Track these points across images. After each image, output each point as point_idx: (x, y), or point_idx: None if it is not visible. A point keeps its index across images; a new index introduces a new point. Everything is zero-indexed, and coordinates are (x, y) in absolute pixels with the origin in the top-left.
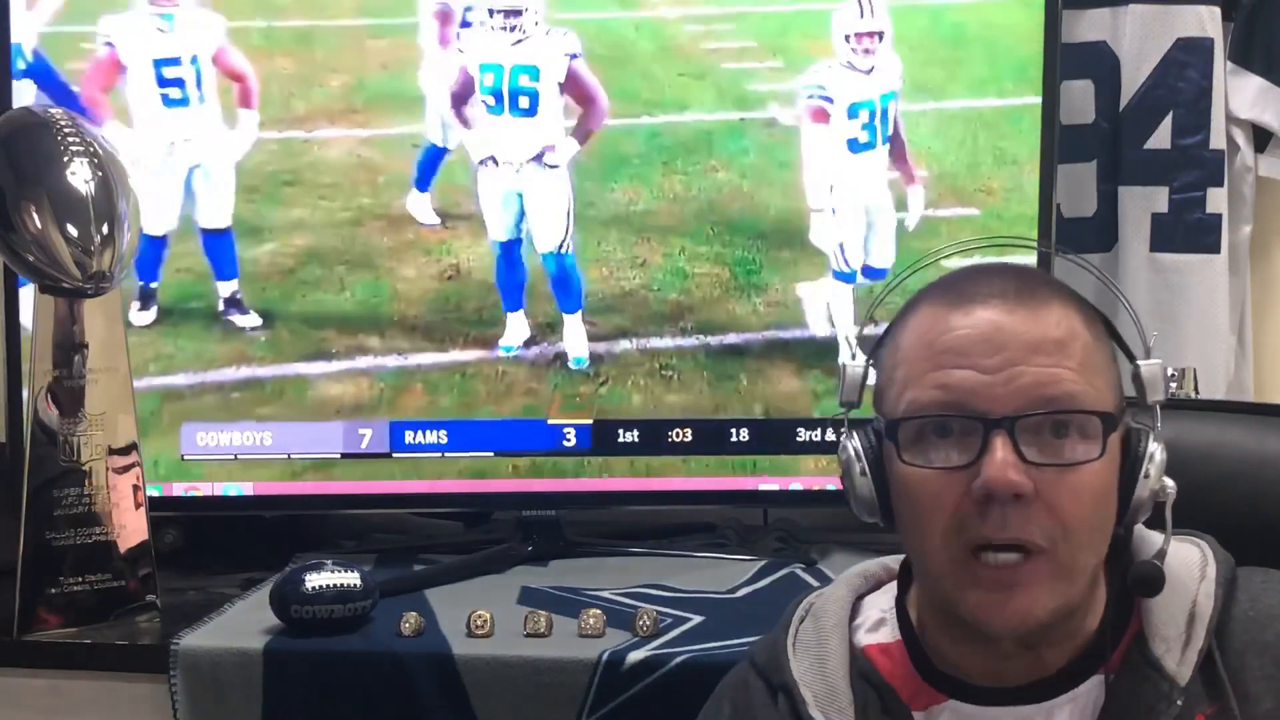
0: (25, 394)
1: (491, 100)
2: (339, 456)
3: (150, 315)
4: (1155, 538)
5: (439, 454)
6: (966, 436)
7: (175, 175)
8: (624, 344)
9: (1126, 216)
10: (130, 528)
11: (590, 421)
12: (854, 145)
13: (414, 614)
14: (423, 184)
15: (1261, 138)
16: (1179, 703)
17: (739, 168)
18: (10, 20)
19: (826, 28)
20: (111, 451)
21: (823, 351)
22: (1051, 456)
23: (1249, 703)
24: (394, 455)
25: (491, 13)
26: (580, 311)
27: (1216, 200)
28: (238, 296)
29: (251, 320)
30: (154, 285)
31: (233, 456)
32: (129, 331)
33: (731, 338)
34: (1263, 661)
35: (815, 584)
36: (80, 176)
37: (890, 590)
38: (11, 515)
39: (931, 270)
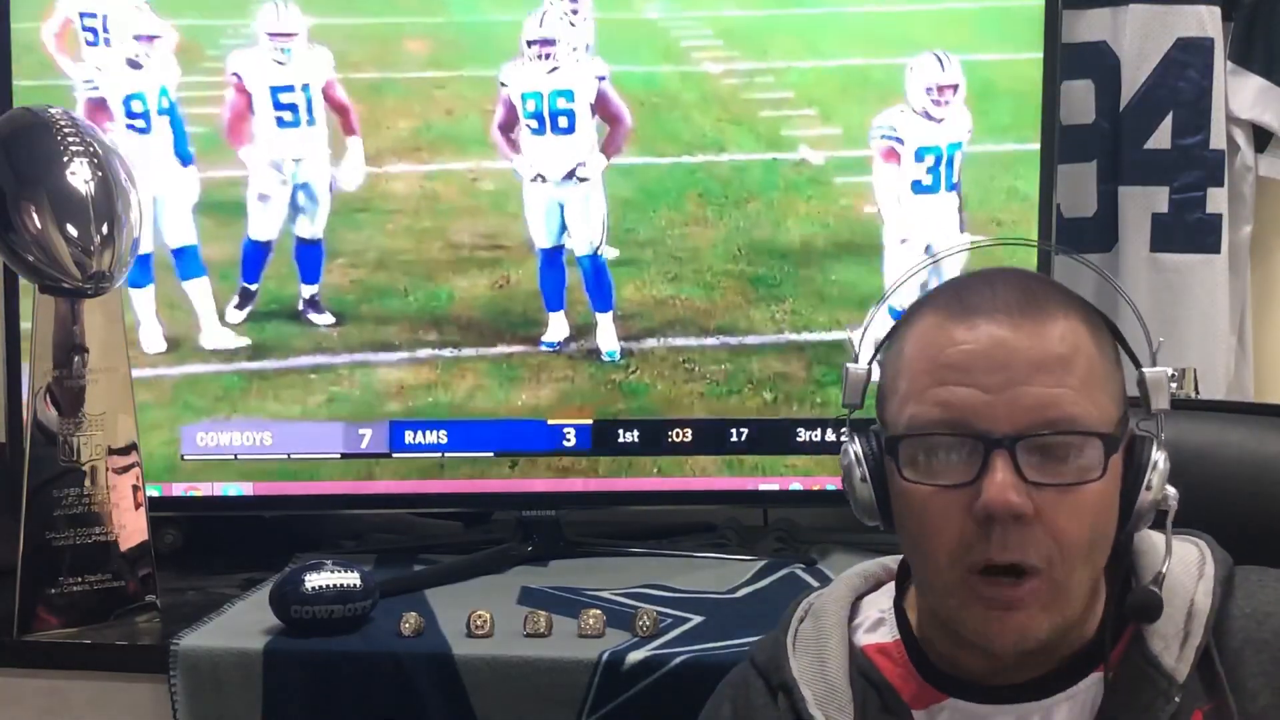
0: (25, 394)
1: (534, 124)
2: (339, 456)
3: (243, 314)
4: (1157, 541)
5: (439, 454)
6: (967, 455)
7: (284, 189)
8: (651, 342)
9: (1126, 216)
10: (130, 528)
11: (590, 421)
12: (917, 186)
13: (414, 614)
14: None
15: (1261, 138)
16: (1176, 700)
17: (767, 200)
18: (10, 20)
19: (861, 81)
20: (111, 451)
21: (831, 349)
22: (1052, 476)
23: (1246, 699)
24: (394, 455)
25: (529, 44)
26: (612, 312)
27: (1217, 200)
28: (316, 298)
29: (326, 319)
30: (254, 287)
31: (233, 456)
32: (224, 326)
33: (750, 339)
34: (1260, 659)
35: (815, 584)
36: (80, 176)
37: (889, 590)
38: (11, 515)
39: None
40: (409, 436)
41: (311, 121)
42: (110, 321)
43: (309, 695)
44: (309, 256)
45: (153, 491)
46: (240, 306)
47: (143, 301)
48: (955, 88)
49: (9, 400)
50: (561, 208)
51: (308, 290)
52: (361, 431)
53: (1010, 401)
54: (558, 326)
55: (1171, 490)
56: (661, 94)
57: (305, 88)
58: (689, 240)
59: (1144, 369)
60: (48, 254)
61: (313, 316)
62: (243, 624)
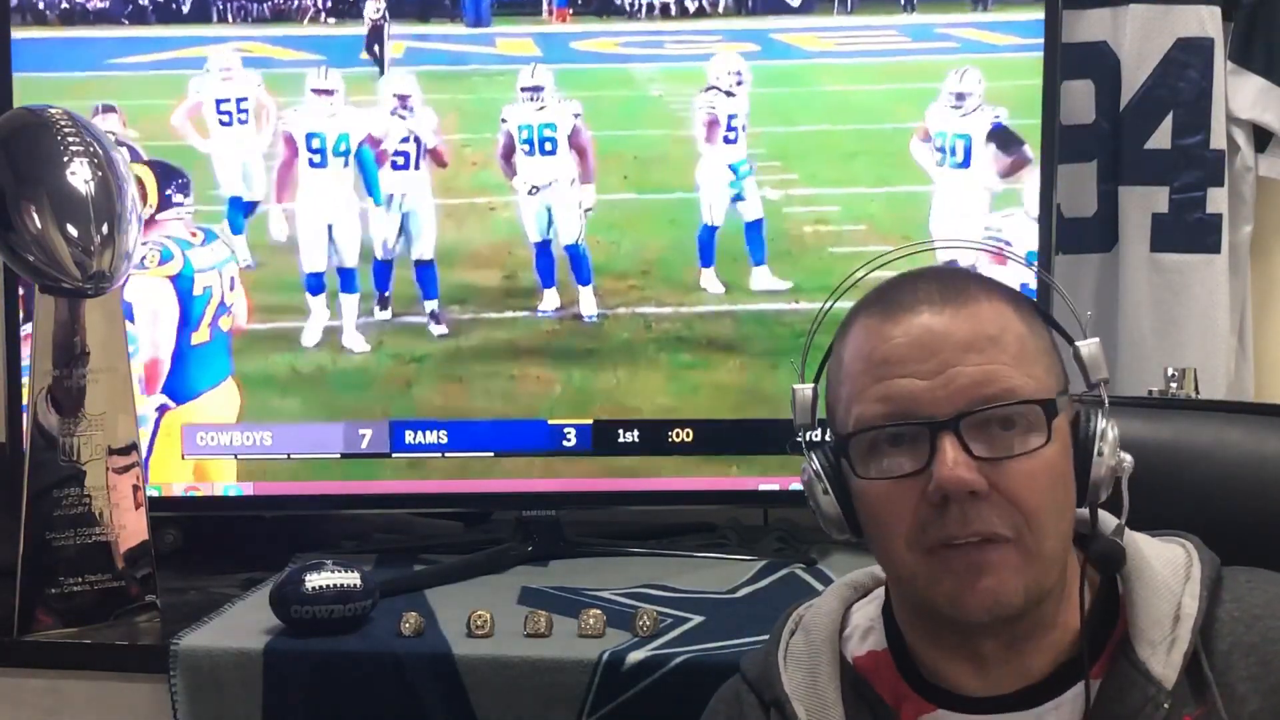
0: (25, 394)
1: (527, 148)
2: (339, 456)
3: (388, 314)
4: (1140, 539)
5: (439, 454)
6: (916, 443)
7: (395, 217)
8: (621, 310)
9: (1127, 216)
10: (130, 528)
11: (590, 422)
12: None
13: (414, 614)
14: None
15: (1261, 138)
16: (1165, 706)
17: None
18: (10, 20)
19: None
20: (111, 451)
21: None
22: (1000, 450)
23: (1236, 703)
24: (393, 455)
25: (523, 90)
26: (591, 285)
27: (1217, 200)
28: (437, 311)
29: (442, 329)
30: (387, 294)
31: (233, 456)
32: (375, 325)
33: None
34: (1249, 662)
35: (815, 584)
36: (80, 176)
37: (878, 598)
38: (11, 515)
39: None
40: (409, 436)
41: (417, 166)
42: (110, 321)
43: (309, 695)
44: (426, 275)
45: (153, 491)
46: (383, 309)
47: (349, 306)
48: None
49: (9, 400)
50: (549, 210)
51: (429, 305)
52: (362, 431)
53: (947, 383)
54: (551, 298)
55: (1126, 456)
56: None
57: (417, 139)
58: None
59: (1078, 343)
60: (48, 254)
61: (432, 328)
62: (243, 624)
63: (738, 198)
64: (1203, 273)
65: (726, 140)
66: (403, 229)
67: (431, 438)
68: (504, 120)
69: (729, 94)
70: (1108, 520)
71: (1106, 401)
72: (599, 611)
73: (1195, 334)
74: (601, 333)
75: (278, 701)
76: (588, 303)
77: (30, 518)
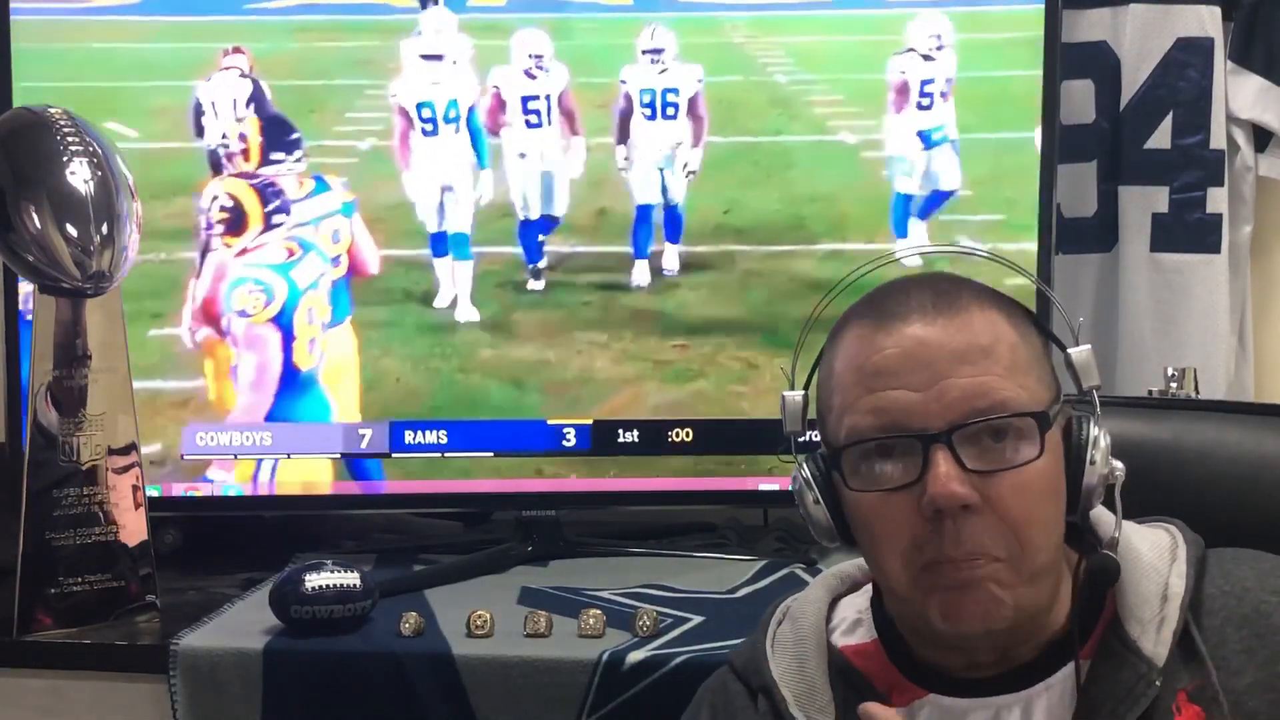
0: (25, 394)
1: (648, 112)
2: (339, 456)
3: (541, 284)
4: (1126, 525)
5: (439, 454)
6: (908, 455)
7: (534, 177)
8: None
9: (1127, 216)
10: (130, 528)
11: (590, 422)
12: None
13: (414, 614)
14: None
15: (1261, 138)
16: (1157, 683)
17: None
18: (10, 20)
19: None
20: (111, 451)
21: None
22: (993, 462)
23: (1230, 675)
24: (393, 455)
25: (644, 52)
26: (679, 244)
27: (1217, 200)
28: (540, 270)
29: (539, 284)
30: (540, 266)
31: (233, 456)
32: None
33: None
34: (1242, 634)
35: None
36: (80, 176)
37: (866, 591)
38: (11, 515)
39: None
40: (409, 436)
41: (550, 124)
42: (110, 321)
43: (309, 695)
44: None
45: (153, 491)
46: (536, 280)
47: (463, 274)
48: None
49: (9, 400)
50: (661, 173)
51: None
52: (361, 431)
53: (940, 396)
54: (641, 271)
55: (1118, 464)
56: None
57: (548, 97)
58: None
59: (1069, 350)
60: (48, 254)
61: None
62: (243, 624)
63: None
64: (1203, 273)
65: (920, 106)
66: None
67: (431, 437)
68: (624, 82)
69: (927, 58)
70: (1101, 518)
71: (1098, 409)
72: (599, 611)
73: (1195, 334)
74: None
75: (278, 701)
76: (671, 259)
77: (30, 518)
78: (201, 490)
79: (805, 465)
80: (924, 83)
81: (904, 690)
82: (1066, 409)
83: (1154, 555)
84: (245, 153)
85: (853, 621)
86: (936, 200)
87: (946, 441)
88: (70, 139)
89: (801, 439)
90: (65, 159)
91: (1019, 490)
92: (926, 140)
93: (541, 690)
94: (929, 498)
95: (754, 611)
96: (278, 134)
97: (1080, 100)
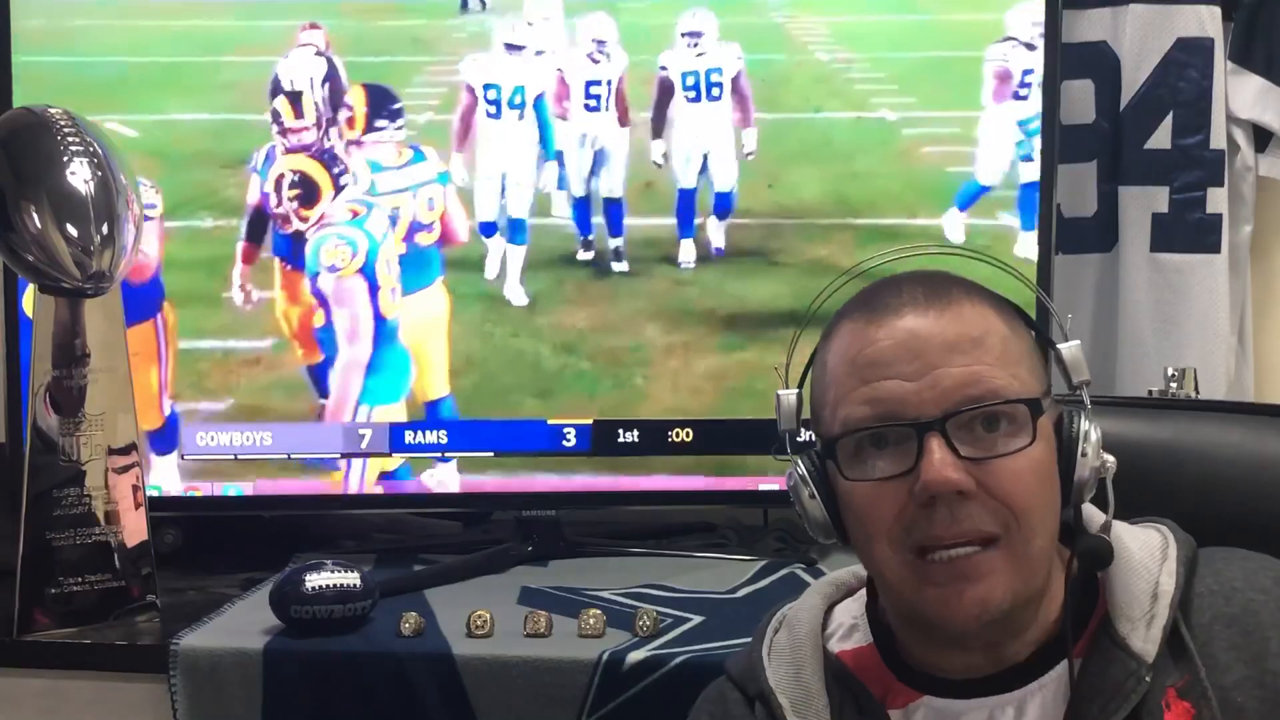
0: (25, 394)
1: (691, 94)
2: (339, 456)
3: (590, 255)
4: (1117, 525)
5: (439, 454)
6: (902, 444)
7: (588, 157)
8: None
9: (1127, 216)
10: (130, 528)
11: (590, 422)
12: None
13: (414, 614)
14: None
15: (1261, 138)
16: (1147, 679)
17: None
18: (10, 20)
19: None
20: (111, 451)
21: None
22: (986, 449)
23: (1219, 672)
24: (393, 455)
25: (682, 35)
26: (727, 222)
27: (1217, 200)
28: (620, 249)
29: (623, 266)
30: (590, 237)
31: (233, 456)
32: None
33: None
34: (1230, 633)
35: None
36: (80, 176)
37: (861, 597)
38: (11, 515)
39: None
40: (409, 436)
41: (607, 109)
42: (110, 321)
43: (309, 695)
44: (614, 213)
45: (153, 491)
46: (619, 260)
47: (515, 257)
48: None
49: (9, 400)
50: (705, 157)
51: (614, 242)
52: (361, 431)
53: (933, 384)
54: (687, 250)
55: (1109, 457)
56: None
57: (608, 83)
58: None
59: (1060, 345)
60: (48, 254)
61: (613, 264)
62: (243, 624)
63: (1025, 157)
64: (1203, 273)
65: (1017, 96)
66: (593, 169)
67: (431, 438)
68: (663, 68)
69: (1029, 46)
70: (1093, 516)
71: (1088, 403)
72: (599, 611)
73: (1195, 334)
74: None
75: (278, 701)
76: (716, 233)
77: (30, 518)
78: (201, 490)
79: (800, 462)
80: (1025, 72)
81: (899, 693)
82: (1057, 405)
83: (1145, 554)
84: (351, 120)
85: (848, 627)
86: (979, 192)
87: (940, 429)
88: (70, 139)
89: (798, 438)
90: (65, 159)
91: (1014, 475)
92: (1025, 130)
93: (541, 690)
94: (923, 483)
95: (754, 611)
96: (382, 102)
97: (1080, 100)
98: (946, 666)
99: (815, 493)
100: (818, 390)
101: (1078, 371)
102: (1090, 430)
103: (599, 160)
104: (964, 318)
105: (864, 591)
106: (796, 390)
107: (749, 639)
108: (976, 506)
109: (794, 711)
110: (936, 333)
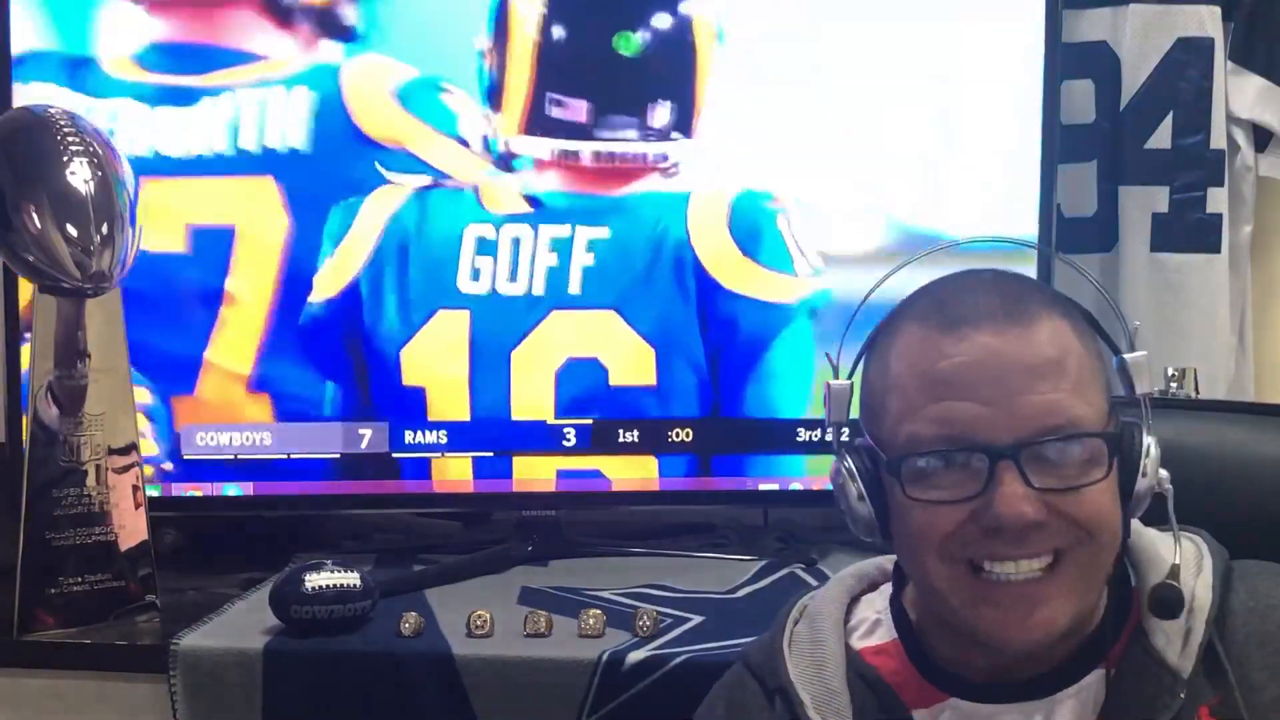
0: (25, 394)
1: None
2: (339, 456)
3: None
4: (1151, 533)
5: (439, 454)
6: (972, 468)
7: None
8: None
9: (1127, 216)
10: (130, 528)
11: (590, 422)
12: None
13: (414, 614)
14: None
15: (1262, 138)
16: (1182, 696)
17: None
18: (10, 20)
19: None
20: (111, 451)
21: None
22: (1060, 480)
23: (1253, 692)
24: (393, 455)
25: None
26: None
27: (1217, 200)
28: None
29: None
30: None
31: (233, 456)
32: None
33: None
34: (1265, 652)
35: (815, 584)
36: (80, 176)
37: (885, 591)
38: (11, 515)
39: None
40: (409, 436)
41: None
42: (110, 321)
43: (309, 695)
44: None
45: (153, 491)
46: None
47: None
48: None
49: (9, 400)
50: None
51: None
52: (361, 431)
53: (1010, 412)
54: None
55: (1165, 474)
56: None
57: None
58: None
59: (1125, 355)
60: (48, 254)
61: None
62: (243, 624)
63: None
64: (1203, 272)
65: None
66: None
67: (431, 438)
68: None
69: None
70: (1145, 534)
71: (1149, 420)
72: (599, 611)
73: (1195, 334)
74: None
75: (278, 701)
76: None
77: (30, 517)
78: (201, 490)
79: (849, 458)
80: None
81: (924, 693)
82: (1118, 419)
83: (1180, 567)
84: None
85: (872, 622)
86: None
87: (1014, 458)
88: (70, 139)
89: (842, 433)
90: (65, 159)
91: (1081, 504)
92: None
93: (541, 690)
94: (995, 515)
95: (754, 611)
96: None
97: (1080, 100)
98: (976, 666)
99: (865, 494)
100: (876, 388)
101: (1142, 382)
102: (1151, 446)
103: None
104: (1043, 338)
105: (888, 585)
106: (849, 382)
107: (749, 639)
108: (1045, 531)
109: (815, 709)
110: (1016, 355)
